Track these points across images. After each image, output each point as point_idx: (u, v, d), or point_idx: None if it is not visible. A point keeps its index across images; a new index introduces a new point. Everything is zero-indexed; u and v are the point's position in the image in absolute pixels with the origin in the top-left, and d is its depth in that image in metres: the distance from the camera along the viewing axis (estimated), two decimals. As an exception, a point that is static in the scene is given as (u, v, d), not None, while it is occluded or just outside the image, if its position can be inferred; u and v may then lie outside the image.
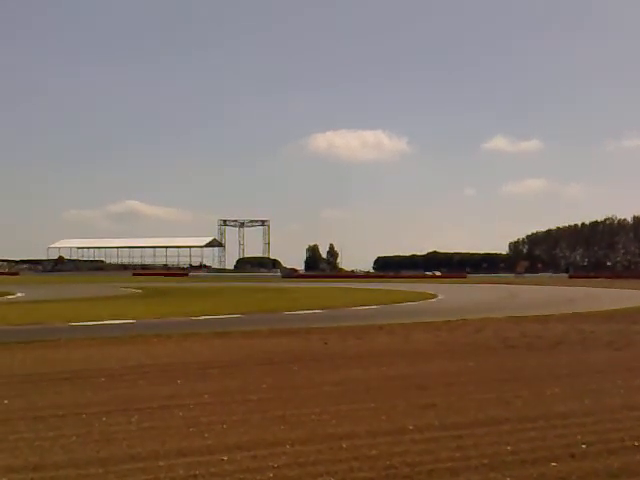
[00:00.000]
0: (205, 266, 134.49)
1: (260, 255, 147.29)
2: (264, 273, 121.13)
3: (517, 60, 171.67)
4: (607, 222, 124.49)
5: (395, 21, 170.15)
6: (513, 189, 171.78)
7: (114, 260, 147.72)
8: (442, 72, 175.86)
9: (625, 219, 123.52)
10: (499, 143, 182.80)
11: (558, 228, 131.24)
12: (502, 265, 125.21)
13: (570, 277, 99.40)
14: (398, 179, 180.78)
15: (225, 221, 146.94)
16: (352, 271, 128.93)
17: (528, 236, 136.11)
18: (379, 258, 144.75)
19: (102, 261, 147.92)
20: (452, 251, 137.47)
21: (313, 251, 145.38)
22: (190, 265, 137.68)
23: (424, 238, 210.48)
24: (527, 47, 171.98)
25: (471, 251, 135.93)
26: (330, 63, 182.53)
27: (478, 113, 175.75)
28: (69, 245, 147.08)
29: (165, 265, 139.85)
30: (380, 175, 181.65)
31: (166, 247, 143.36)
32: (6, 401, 8.11)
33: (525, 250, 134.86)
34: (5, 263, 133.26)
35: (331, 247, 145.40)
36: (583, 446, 5.98)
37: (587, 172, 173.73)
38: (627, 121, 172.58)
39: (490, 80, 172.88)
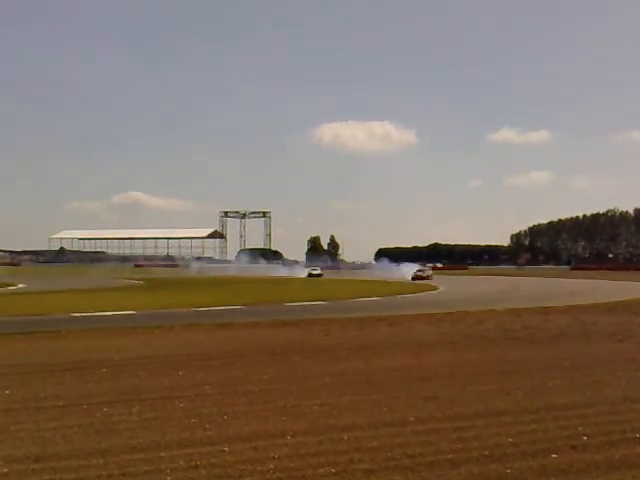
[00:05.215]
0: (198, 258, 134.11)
1: (261, 246, 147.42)
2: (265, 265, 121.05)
3: (528, 51, 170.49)
4: (609, 214, 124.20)
5: (403, 15, 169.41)
6: (519, 181, 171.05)
7: (116, 251, 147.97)
8: (451, 63, 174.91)
9: (627, 211, 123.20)
10: (507, 134, 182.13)
11: (560, 220, 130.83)
12: (504, 257, 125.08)
13: (572, 269, 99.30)
14: (404, 171, 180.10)
15: (226, 212, 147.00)
16: (353, 263, 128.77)
17: (530, 228, 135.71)
18: (380, 250, 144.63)
19: (104, 252, 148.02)
20: (454, 243, 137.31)
21: (314, 243, 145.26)
22: (192, 256, 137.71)
23: (428, 230, 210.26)
24: (537, 38, 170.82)
25: (473, 243, 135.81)
26: (336, 55, 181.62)
27: (487, 104, 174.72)
28: (71, 236, 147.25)
29: (168, 256, 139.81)
30: (386, 167, 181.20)
31: (167, 238, 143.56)
32: (7, 391, 8.13)
33: (527, 242, 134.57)
34: (7, 254, 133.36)
35: (332, 239, 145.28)
36: (584, 438, 5.97)
37: (595, 164, 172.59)
38: (637, 113, 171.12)
39: (499, 71, 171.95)
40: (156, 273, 76.89)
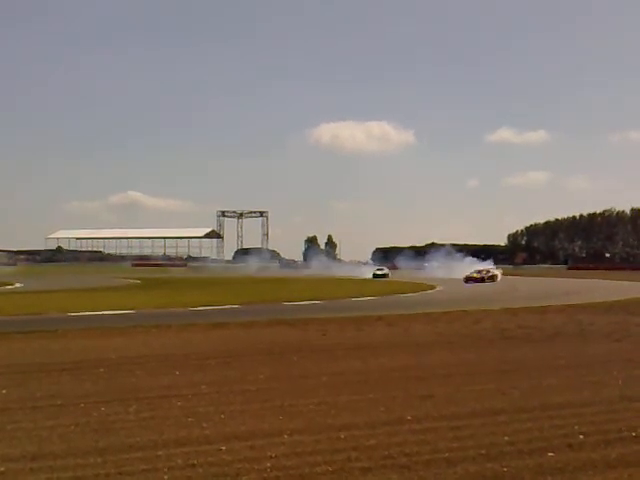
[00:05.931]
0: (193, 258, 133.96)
1: (259, 246, 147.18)
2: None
3: (526, 50, 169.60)
4: (606, 214, 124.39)
5: (400, 13, 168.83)
6: (517, 181, 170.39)
7: (113, 251, 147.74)
8: (449, 63, 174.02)
9: (623, 211, 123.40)
10: (505, 134, 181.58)
11: (557, 220, 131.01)
12: (501, 257, 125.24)
13: (569, 269, 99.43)
14: (403, 171, 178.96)
15: (224, 212, 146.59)
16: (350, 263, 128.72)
17: (527, 228, 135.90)
18: (377, 249, 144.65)
19: (101, 252, 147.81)
20: (451, 242, 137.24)
21: (311, 242, 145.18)
22: (189, 256, 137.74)
23: (426, 229, 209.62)
24: (537, 38, 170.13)
25: (470, 243, 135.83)
26: (334, 54, 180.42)
27: (485, 104, 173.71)
28: (67, 235, 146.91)
29: (165, 255, 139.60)
30: (384, 167, 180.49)
31: (164, 238, 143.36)
32: (4, 391, 8.12)
33: (524, 242, 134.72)
34: (4, 253, 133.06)
35: (329, 238, 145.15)
36: (580, 437, 5.99)
37: (593, 164, 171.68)
38: (635, 113, 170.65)
39: (498, 71, 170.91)
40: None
